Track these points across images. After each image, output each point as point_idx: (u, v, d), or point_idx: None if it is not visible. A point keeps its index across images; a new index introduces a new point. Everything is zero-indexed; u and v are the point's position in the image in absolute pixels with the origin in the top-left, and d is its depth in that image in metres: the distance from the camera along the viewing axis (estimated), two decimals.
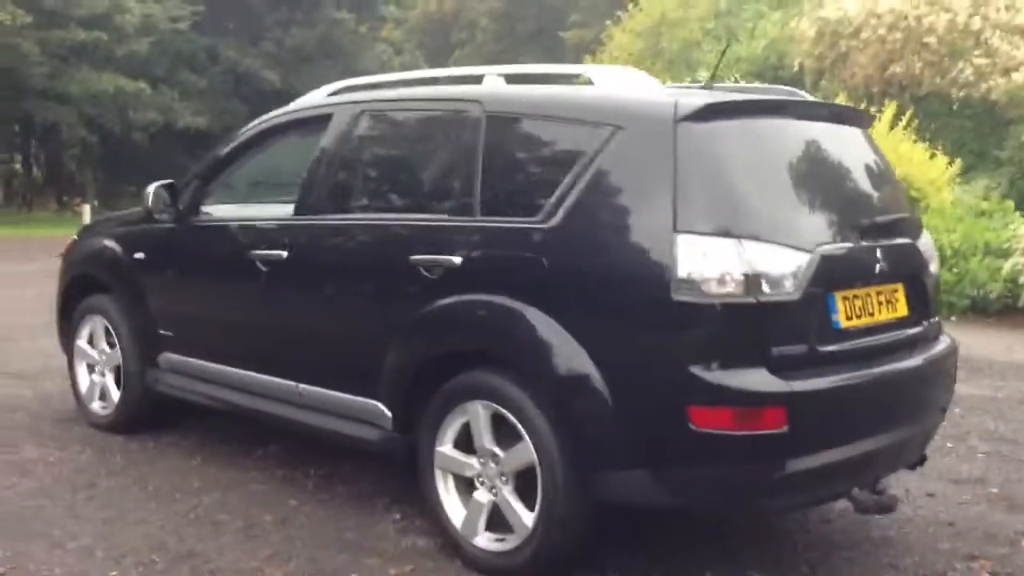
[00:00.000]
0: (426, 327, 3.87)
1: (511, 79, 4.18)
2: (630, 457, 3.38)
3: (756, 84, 4.43)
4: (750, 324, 3.26)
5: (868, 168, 3.96)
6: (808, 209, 3.58)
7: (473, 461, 3.80)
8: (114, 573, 3.73)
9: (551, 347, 3.48)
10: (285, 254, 4.42)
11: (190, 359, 5.04)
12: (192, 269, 5.05)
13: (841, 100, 13.90)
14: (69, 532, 4.11)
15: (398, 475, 4.72)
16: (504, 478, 3.69)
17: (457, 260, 3.77)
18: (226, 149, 5.07)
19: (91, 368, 5.73)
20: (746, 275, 3.22)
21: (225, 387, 4.88)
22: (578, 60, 31.32)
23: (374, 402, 4.10)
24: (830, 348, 3.45)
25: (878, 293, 3.69)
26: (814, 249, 3.40)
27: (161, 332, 5.18)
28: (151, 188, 5.02)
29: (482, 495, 3.77)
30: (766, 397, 3.22)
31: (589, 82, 3.89)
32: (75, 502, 4.47)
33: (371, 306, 4.13)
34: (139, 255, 5.28)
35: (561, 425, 3.49)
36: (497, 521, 3.77)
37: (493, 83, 4.15)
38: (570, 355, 3.44)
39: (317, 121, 4.62)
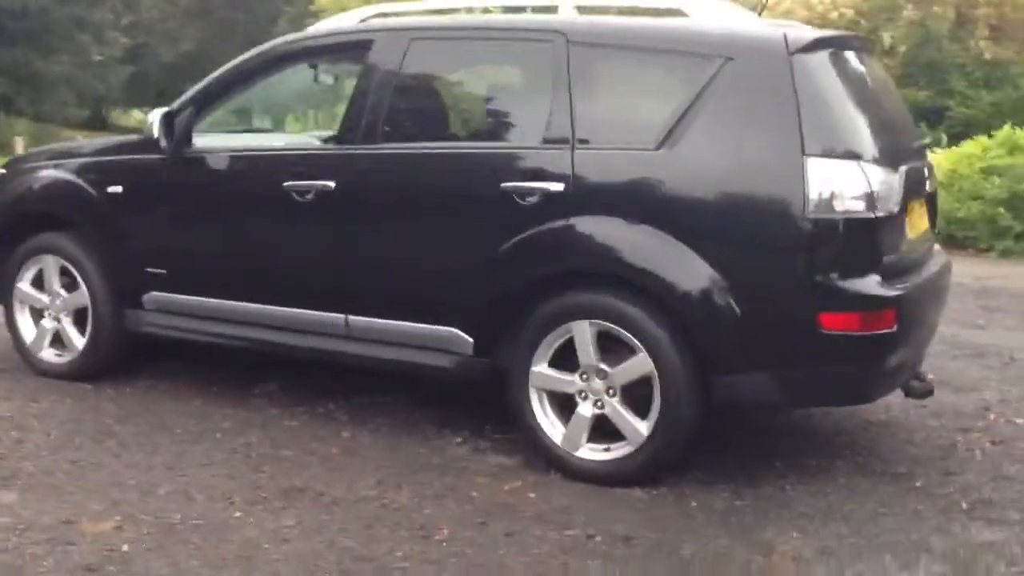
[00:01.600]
0: (525, 252, 3.98)
1: (584, 10, 4.30)
2: (753, 361, 3.72)
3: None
4: (870, 237, 3.67)
5: (896, 95, 4.47)
6: (886, 133, 4.01)
7: (573, 378, 3.98)
8: (238, 514, 3.64)
9: (676, 264, 3.73)
10: (333, 184, 4.33)
11: (193, 297, 4.81)
12: (197, 203, 4.80)
13: None
14: (145, 481, 3.92)
15: (426, 401, 4.83)
16: (611, 391, 3.91)
17: (557, 187, 3.91)
18: (226, 75, 4.81)
19: (37, 313, 5.30)
20: (867, 193, 3.61)
21: (240, 324, 4.72)
22: None
23: (449, 329, 4.17)
24: (906, 257, 3.92)
25: (920, 207, 4.20)
26: (899, 169, 3.85)
27: (149, 271, 4.89)
28: (155, 116, 4.68)
29: (586, 409, 3.97)
30: (886, 301, 3.65)
31: (678, 14, 4.09)
32: (115, 451, 4.24)
33: (450, 235, 4.17)
34: (115, 189, 4.93)
35: (683, 336, 3.76)
36: (595, 433, 3.99)
37: (569, 14, 4.25)
38: (696, 271, 3.70)
39: (350, 48, 4.56)
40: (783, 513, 3.72)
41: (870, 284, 3.65)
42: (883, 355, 3.73)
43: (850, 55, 4.13)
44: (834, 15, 18.03)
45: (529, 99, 4.15)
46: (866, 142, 3.79)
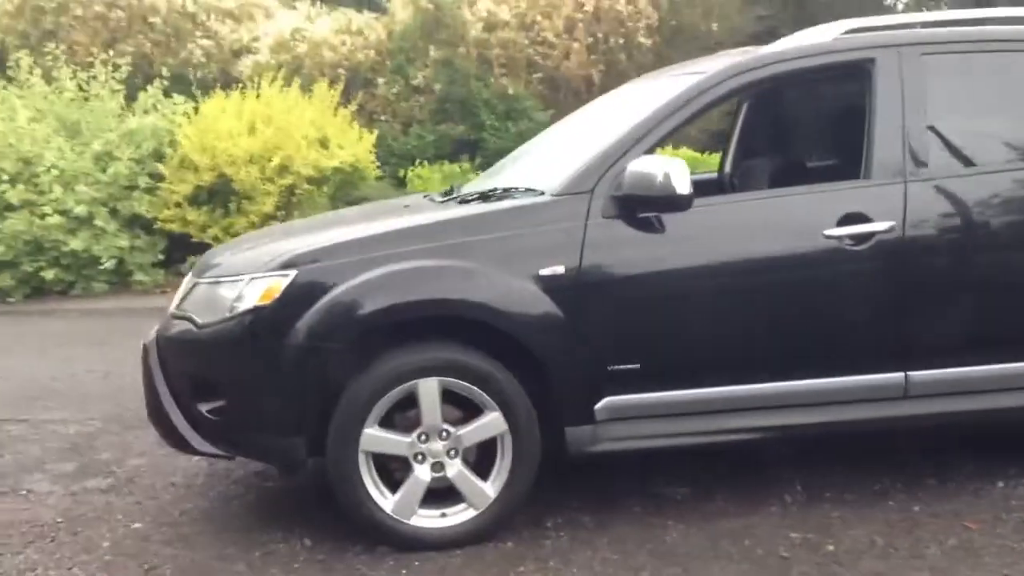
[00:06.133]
0: None
1: None
2: None
3: None
4: None
5: None
6: None
7: None
8: None
9: None
10: (892, 224, 3.84)
11: (681, 392, 3.82)
12: (698, 268, 3.82)
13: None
14: None
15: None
16: None
17: None
18: (675, 110, 3.89)
19: (385, 464, 3.73)
20: None
21: (743, 413, 3.89)
22: None
23: None
24: None
25: None
26: None
27: (613, 369, 3.76)
28: (669, 166, 3.59)
29: None
30: None
31: None
32: None
33: None
34: (552, 270, 3.69)
35: None
36: None
37: None
38: None
39: (840, 68, 4.04)
40: None
41: None
42: None
43: None
44: (360, 56, 18.44)
45: None
46: None
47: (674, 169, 3.60)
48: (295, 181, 12.12)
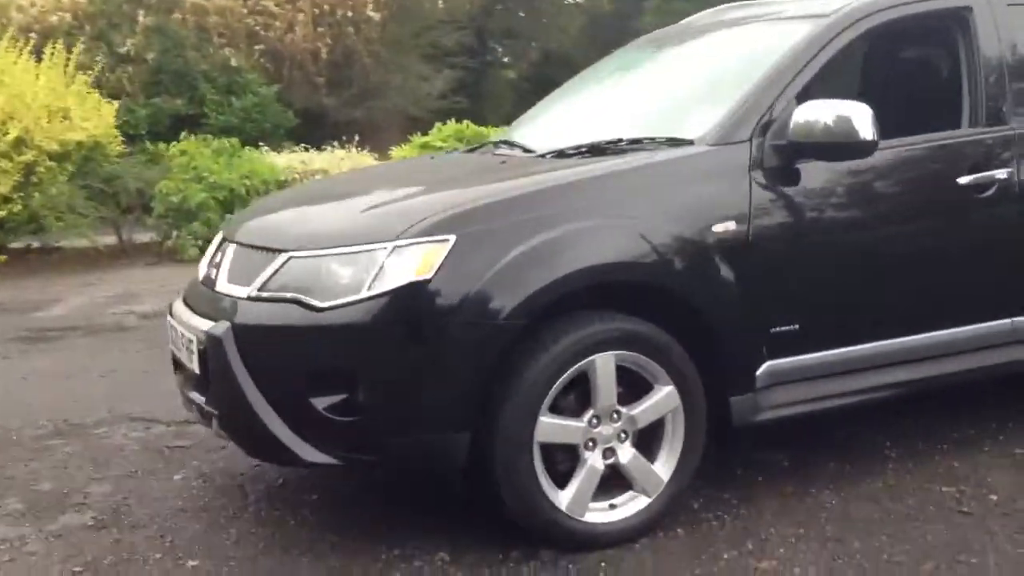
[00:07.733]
0: None
1: None
2: None
3: None
4: None
5: None
6: None
7: None
8: None
9: None
10: (1009, 171, 3.84)
11: (834, 351, 3.59)
12: (852, 218, 3.59)
13: None
14: None
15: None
16: None
17: None
18: (823, 54, 3.61)
19: (559, 453, 3.21)
20: None
21: (885, 369, 3.74)
22: None
23: None
24: None
25: None
26: None
27: (776, 331, 3.47)
28: (847, 111, 3.30)
29: None
30: None
31: None
32: None
33: None
34: (724, 226, 3.33)
35: None
36: None
37: None
38: None
39: (945, 16, 3.96)
40: None
41: None
42: None
43: None
44: (54, 18, 16.59)
45: None
46: None
47: (856, 112, 3.34)
48: (36, 157, 10.55)
